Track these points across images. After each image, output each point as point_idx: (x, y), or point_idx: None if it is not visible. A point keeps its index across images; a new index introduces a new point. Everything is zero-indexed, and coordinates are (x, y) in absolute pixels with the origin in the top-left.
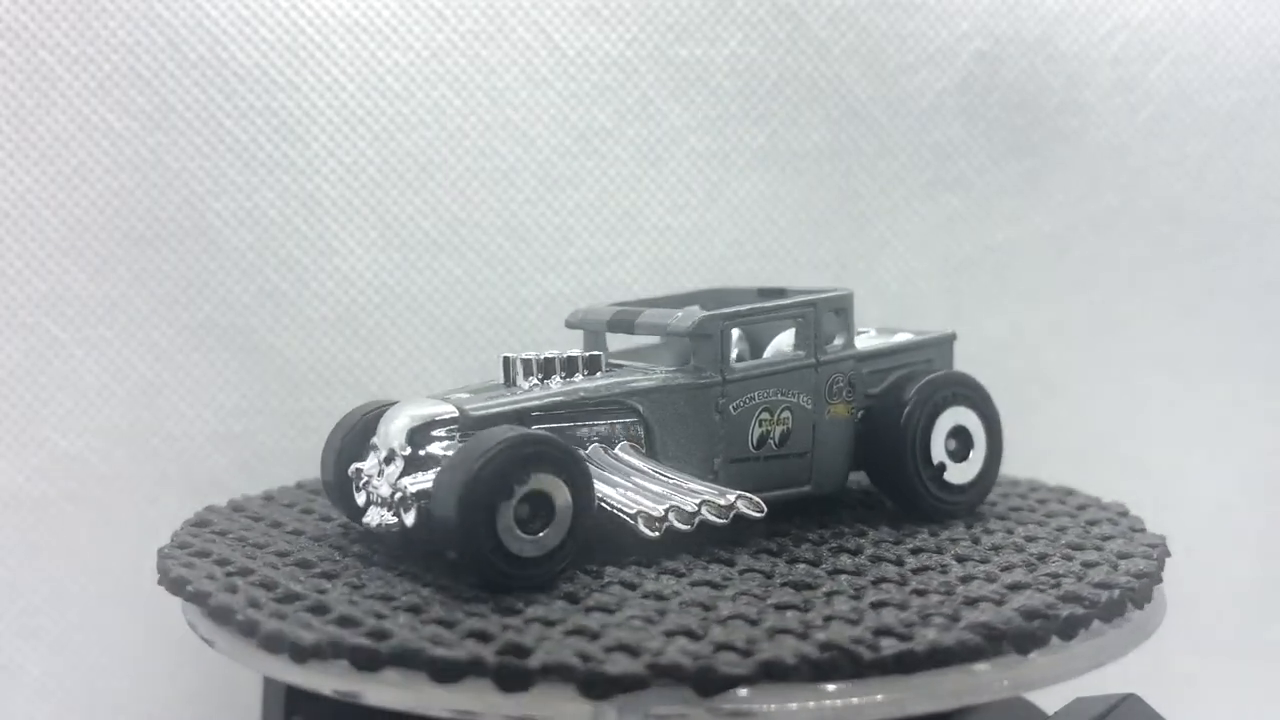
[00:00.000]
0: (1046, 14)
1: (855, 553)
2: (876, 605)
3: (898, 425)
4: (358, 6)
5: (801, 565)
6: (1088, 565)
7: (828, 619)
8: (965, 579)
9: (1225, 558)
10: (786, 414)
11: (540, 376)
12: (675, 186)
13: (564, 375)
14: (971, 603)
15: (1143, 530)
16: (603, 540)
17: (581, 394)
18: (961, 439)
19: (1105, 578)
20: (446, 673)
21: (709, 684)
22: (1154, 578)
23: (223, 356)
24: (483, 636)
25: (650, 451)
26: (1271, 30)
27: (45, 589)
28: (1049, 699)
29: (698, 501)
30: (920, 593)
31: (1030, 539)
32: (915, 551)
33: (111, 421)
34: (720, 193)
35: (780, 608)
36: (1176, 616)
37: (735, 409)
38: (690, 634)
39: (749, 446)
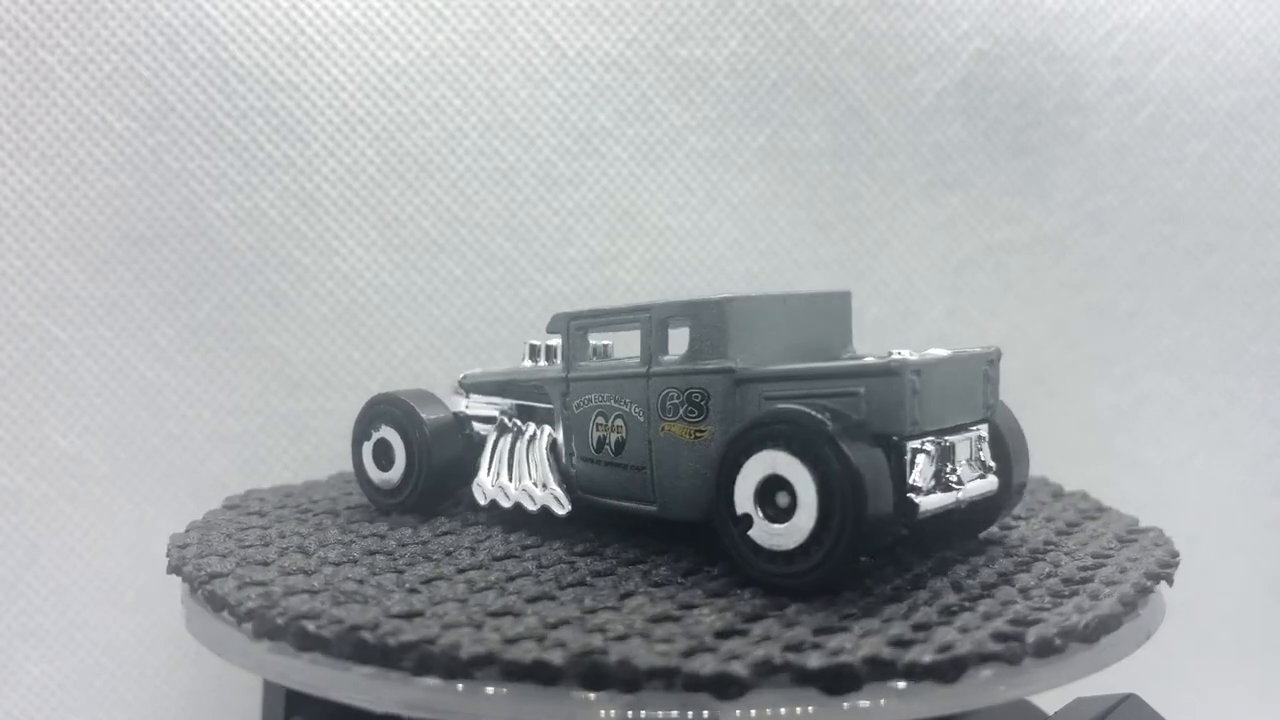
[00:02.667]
0: (1046, 14)
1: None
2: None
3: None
4: (358, 6)
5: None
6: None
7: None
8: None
9: (1225, 558)
10: (620, 422)
11: (534, 360)
12: (675, 186)
13: (549, 361)
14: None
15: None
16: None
17: (517, 378)
18: (787, 494)
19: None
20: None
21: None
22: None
23: (223, 356)
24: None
25: (555, 436)
26: (1271, 30)
27: (45, 589)
28: (1049, 699)
29: (518, 488)
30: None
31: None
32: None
33: (111, 421)
34: (720, 193)
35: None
36: (1176, 616)
37: (577, 407)
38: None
39: (590, 447)
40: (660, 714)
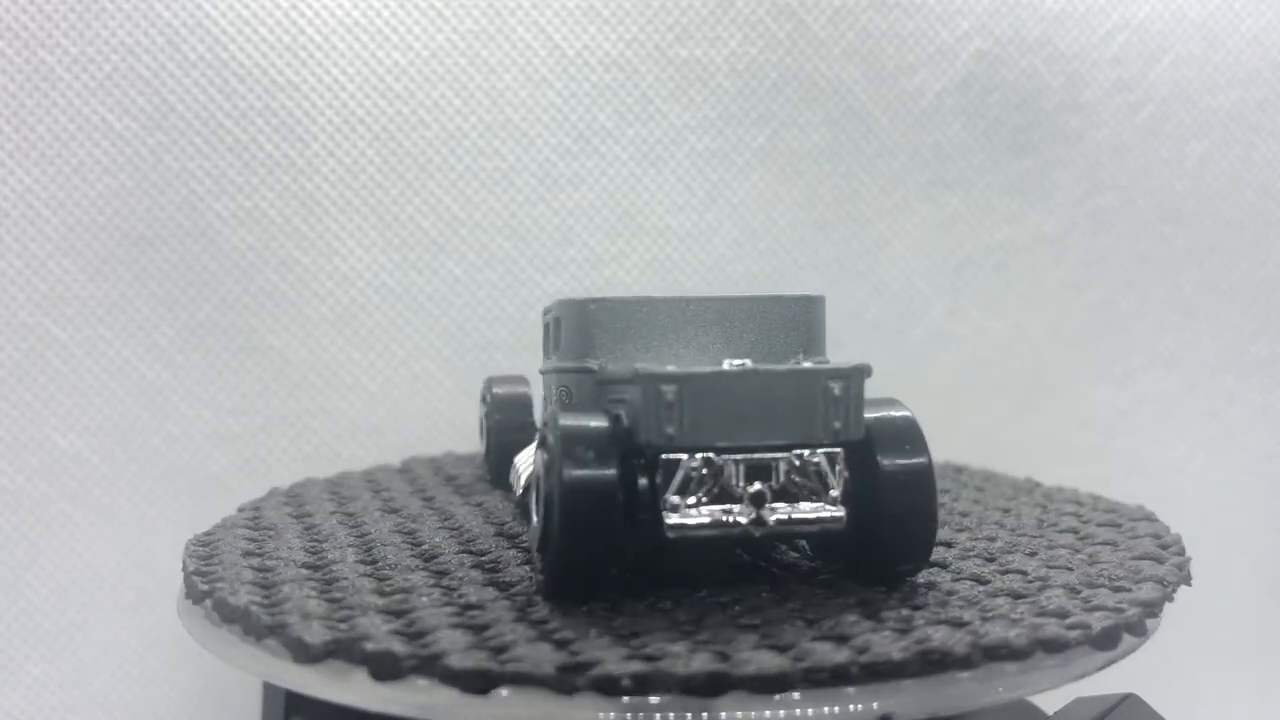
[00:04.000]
0: (1046, 14)
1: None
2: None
3: None
4: (358, 6)
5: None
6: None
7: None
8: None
9: (1225, 558)
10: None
11: None
12: (675, 186)
13: None
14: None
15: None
16: None
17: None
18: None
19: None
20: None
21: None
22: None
23: (223, 356)
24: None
25: None
26: (1271, 30)
27: (45, 589)
28: (1049, 699)
29: (515, 472)
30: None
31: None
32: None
33: (111, 421)
34: (720, 193)
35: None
36: (1177, 616)
37: (543, 398)
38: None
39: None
40: (659, 715)
